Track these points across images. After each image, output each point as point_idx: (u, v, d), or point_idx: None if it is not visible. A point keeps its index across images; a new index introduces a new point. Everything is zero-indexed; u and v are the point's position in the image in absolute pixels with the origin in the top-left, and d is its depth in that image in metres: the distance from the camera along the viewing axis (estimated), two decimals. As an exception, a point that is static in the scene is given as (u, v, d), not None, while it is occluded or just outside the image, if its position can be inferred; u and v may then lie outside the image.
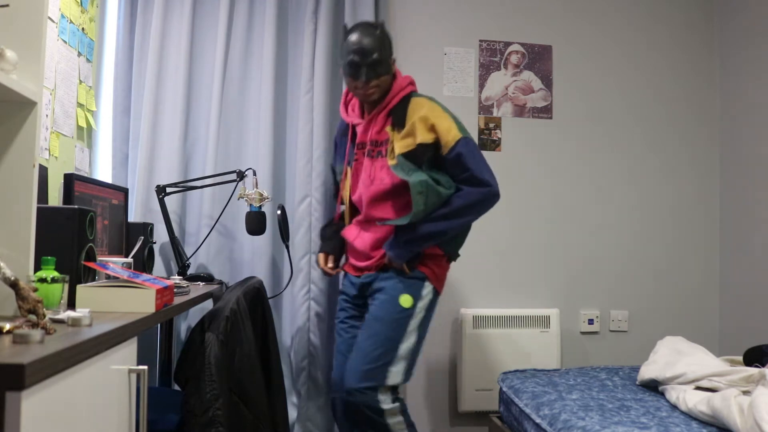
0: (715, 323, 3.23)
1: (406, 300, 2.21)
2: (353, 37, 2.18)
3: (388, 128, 2.24)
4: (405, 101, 2.24)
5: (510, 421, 2.42)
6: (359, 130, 2.30)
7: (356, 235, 2.33)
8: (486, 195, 2.17)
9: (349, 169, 2.35)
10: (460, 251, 2.34)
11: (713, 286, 3.24)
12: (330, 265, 2.41)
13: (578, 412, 2.00)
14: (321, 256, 2.44)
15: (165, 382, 2.55)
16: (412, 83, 2.30)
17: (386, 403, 2.13)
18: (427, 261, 2.25)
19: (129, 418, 1.32)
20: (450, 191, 2.17)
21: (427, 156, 2.18)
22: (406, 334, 2.19)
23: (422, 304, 2.23)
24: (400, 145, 2.18)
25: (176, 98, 2.71)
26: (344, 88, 2.45)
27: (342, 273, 2.44)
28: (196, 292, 2.04)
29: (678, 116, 3.26)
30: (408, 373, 2.20)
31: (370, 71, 2.14)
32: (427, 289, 2.24)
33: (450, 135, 2.17)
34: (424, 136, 2.17)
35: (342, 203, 2.42)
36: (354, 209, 2.39)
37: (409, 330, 2.20)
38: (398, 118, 2.22)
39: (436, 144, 2.18)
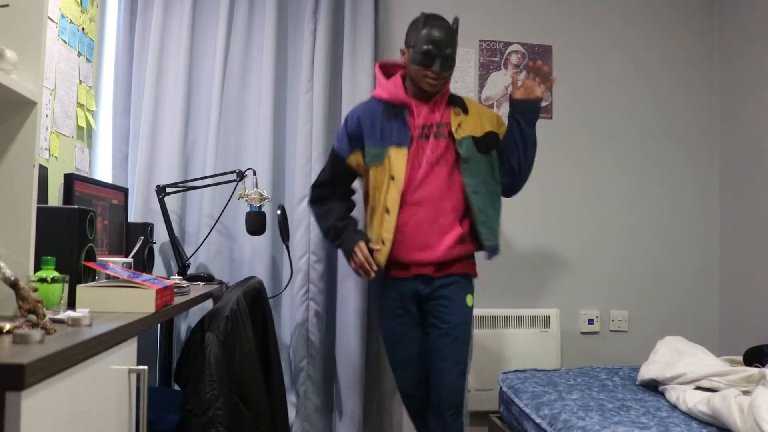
0: (715, 323, 3.23)
1: (470, 299, 2.29)
2: (433, 28, 2.21)
3: (452, 112, 2.29)
4: (456, 96, 2.36)
5: (510, 421, 2.42)
6: (422, 112, 2.28)
7: (416, 220, 2.24)
8: None
9: (403, 151, 2.25)
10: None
11: (713, 286, 3.24)
12: (378, 250, 2.22)
13: (578, 412, 2.00)
14: (362, 246, 2.22)
15: (165, 382, 2.55)
16: None
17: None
18: (472, 259, 2.36)
19: (129, 418, 1.32)
20: (499, 187, 2.35)
21: (495, 145, 2.31)
22: (471, 336, 2.29)
23: (473, 302, 2.32)
24: (470, 126, 2.28)
25: (176, 98, 2.71)
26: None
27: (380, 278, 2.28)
28: (196, 292, 2.04)
29: (678, 116, 3.26)
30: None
31: (444, 63, 2.21)
32: (473, 287, 2.34)
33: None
34: (494, 127, 2.34)
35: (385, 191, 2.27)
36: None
37: (471, 332, 2.29)
38: (459, 105, 2.32)
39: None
